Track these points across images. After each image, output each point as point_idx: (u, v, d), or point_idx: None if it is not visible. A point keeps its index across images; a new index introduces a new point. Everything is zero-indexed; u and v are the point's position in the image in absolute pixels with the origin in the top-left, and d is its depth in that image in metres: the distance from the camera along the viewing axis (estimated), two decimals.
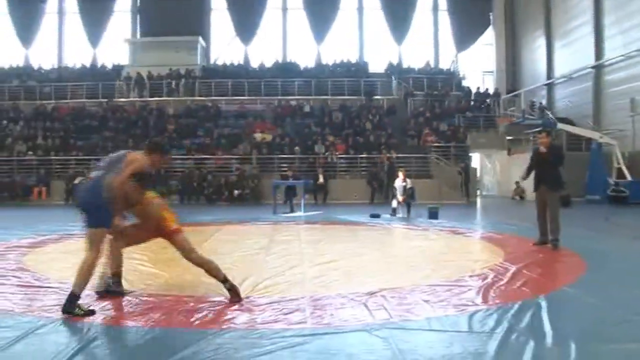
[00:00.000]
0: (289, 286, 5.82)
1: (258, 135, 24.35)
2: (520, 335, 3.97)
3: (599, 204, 18.74)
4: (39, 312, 4.70)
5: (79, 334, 4.07)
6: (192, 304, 5.04)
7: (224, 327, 4.27)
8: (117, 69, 31.27)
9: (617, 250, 8.47)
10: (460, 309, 4.79)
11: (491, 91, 29.70)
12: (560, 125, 21.12)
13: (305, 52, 33.27)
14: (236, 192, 21.09)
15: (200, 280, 6.22)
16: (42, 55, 33.67)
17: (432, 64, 32.76)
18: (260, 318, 4.53)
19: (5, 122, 26.14)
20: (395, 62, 32.07)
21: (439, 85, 29.12)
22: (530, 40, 30.21)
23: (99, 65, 32.72)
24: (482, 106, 27.83)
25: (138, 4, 33.88)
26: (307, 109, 26.94)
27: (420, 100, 27.50)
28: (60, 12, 34.39)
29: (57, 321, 4.43)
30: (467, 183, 21.69)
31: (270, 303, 5.02)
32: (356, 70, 30.77)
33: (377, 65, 31.92)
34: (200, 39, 31.73)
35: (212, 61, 33.01)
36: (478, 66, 33.86)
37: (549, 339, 3.89)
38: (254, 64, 32.33)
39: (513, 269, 6.57)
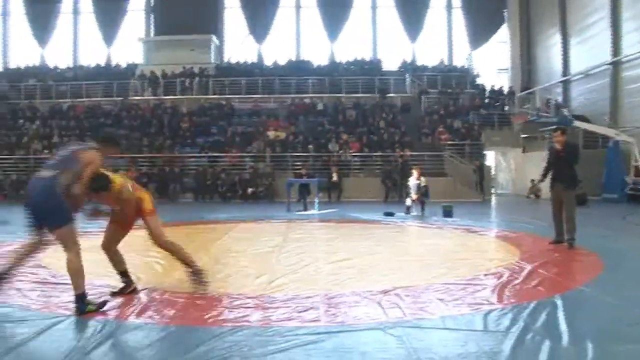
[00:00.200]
0: (302, 284, 5.82)
1: (272, 134, 24.37)
2: (536, 334, 3.94)
3: (616, 203, 18.53)
4: (56, 309, 4.75)
5: (95, 330, 4.10)
6: (206, 302, 5.06)
7: (238, 324, 4.28)
8: (132, 67, 31.47)
9: (635, 250, 8.38)
10: (475, 307, 4.76)
11: (505, 89, 29.49)
12: (576, 123, 20.91)
13: (318, 50, 33.27)
14: (250, 190, 21.12)
15: (215, 277, 6.25)
16: (58, 54, 34.03)
17: (446, 62, 32.60)
18: (274, 316, 4.54)
19: (22, 121, 26.40)
20: (409, 59, 31.94)
21: (453, 83, 28.96)
22: (545, 37, 29.92)
23: (113, 64, 32.96)
24: (497, 104, 27.64)
25: (152, 3, 34.04)
26: (320, 107, 26.91)
27: (434, 98, 27.35)
28: (75, 12, 34.66)
29: (73, 318, 4.47)
30: (481, 181, 21.56)
31: (284, 301, 5.03)
32: (370, 68, 30.67)
33: (390, 63, 31.80)
34: (214, 37, 31.81)
35: (225, 59, 33.07)
36: (492, 64, 33.65)
37: (565, 339, 3.86)
38: (268, 62, 32.38)
39: (528, 267, 6.52)
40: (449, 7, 33.95)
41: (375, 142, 23.60)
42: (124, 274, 5.44)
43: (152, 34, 33.37)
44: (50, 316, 4.53)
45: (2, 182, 22.01)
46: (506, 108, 27.45)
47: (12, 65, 33.79)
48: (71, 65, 33.24)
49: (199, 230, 11.62)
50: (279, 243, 9.23)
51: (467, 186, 21.22)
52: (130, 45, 32.85)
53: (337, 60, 32.45)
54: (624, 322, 4.33)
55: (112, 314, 4.59)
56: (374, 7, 34.12)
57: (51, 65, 33.08)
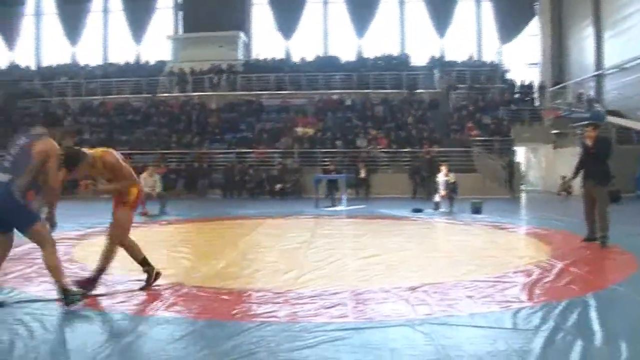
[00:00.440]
0: (330, 280, 5.83)
1: (300, 130, 24.40)
2: (568, 333, 3.87)
3: None
4: (87, 303, 4.82)
5: (123, 324, 4.17)
6: (233, 297, 5.09)
7: (266, 319, 4.30)
8: (160, 64, 31.83)
9: None
10: (504, 305, 4.71)
11: (536, 83, 29.01)
12: (609, 118, 20.46)
13: (346, 46, 33.14)
14: (278, 186, 21.19)
15: (243, 273, 6.30)
16: (89, 53, 34.58)
17: (475, 57, 32.20)
18: (301, 311, 4.55)
19: None
20: (437, 55, 31.64)
21: (482, 78, 28.59)
22: (577, 30, 29.35)
23: (142, 61, 33.39)
24: (527, 99, 27.22)
25: (180, 1, 34.36)
26: (348, 102, 26.85)
27: (463, 94, 27.06)
28: (105, 11, 35.20)
29: (103, 312, 4.55)
30: (511, 177, 21.27)
31: (311, 296, 5.03)
32: (398, 64, 30.45)
33: (419, 59, 31.52)
34: (242, 34, 31.95)
35: (253, 56, 33.20)
36: (523, 58, 33.12)
37: (597, 338, 3.79)
38: (295, 58, 32.41)
39: (560, 265, 6.41)
40: (478, 0, 33.52)
41: (403, 138, 23.47)
42: (143, 262, 5.50)
43: (180, 31, 33.69)
44: (80, 310, 4.61)
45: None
46: (537, 103, 27.02)
47: (45, 63, 34.50)
48: (101, 63, 33.78)
49: (227, 226, 11.72)
50: (307, 239, 9.25)
51: (496, 183, 20.96)
52: (159, 42, 33.22)
53: (365, 55, 32.31)
54: None
55: (141, 308, 4.65)
56: (401, 2, 33.85)
57: (82, 63, 33.67)
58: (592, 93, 26.41)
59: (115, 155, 5.34)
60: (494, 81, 28.19)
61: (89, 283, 5.14)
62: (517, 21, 31.94)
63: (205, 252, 8.01)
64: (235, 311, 4.60)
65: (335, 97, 27.31)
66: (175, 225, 11.66)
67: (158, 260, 7.47)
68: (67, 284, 4.65)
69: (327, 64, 30.61)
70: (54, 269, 4.62)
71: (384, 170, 22.18)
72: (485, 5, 33.30)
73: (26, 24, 35.05)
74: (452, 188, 14.58)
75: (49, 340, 3.84)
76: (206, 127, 25.31)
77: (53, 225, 4.70)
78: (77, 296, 4.62)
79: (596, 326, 4.04)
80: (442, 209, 14.28)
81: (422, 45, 32.92)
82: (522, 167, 25.56)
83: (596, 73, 27.13)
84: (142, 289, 5.32)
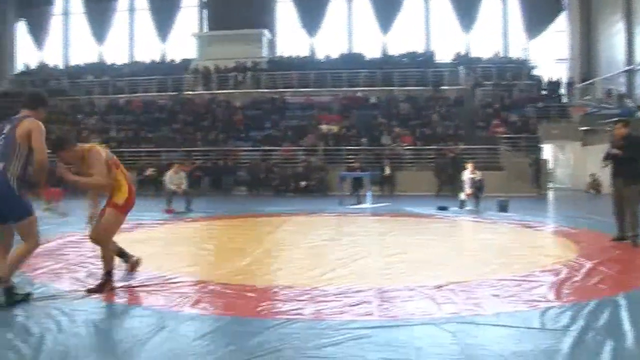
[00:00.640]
0: (355, 277, 5.82)
1: (324, 127, 24.40)
2: (597, 334, 3.81)
3: None
4: (114, 298, 4.91)
5: (149, 320, 4.21)
6: (258, 294, 5.11)
7: (290, 317, 4.31)
8: (186, 62, 32.13)
9: None
10: (532, 304, 4.65)
11: (564, 80, 28.58)
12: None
13: (370, 43, 33.05)
14: (303, 183, 21.23)
15: (268, 270, 6.32)
16: (115, 51, 35.10)
17: (501, 53, 31.84)
18: (326, 309, 4.54)
19: (81, 116, 27.34)
20: (462, 51, 31.38)
21: (509, 74, 28.26)
22: (607, 25, 28.81)
23: (168, 59, 33.76)
24: (555, 96, 26.83)
25: None
26: (373, 100, 26.78)
27: (489, 91, 26.79)
28: (131, 10, 35.67)
29: (129, 308, 4.60)
30: (538, 175, 21.00)
31: (336, 294, 5.03)
32: (423, 61, 30.28)
33: (444, 55, 31.32)
34: (266, 31, 32.07)
35: (278, 53, 33.29)
36: (550, 54, 32.65)
37: (629, 339, 3.71)
38: (320, 55, 32.43)
39: (588, 265, 6.30)
40: None
41: (428, 136, 23.32)
42: (120, 254, 5.58)
43: (205, 29, 33.95)
44: (107, 305, 4.68)
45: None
46: (564, 100, 26.61)
47: (72, 62, 35.09)
48: (127, 61, 34.22)
49: (252, 223, 11.78)
50: (332, 236, 9.26)
51: (523, 180, 20.71)
52: (184, 40, 33.54)
53: (390, 52, 32.18)
54: None
55: (167, 305, 4.69)
56: None
57: (109, 62, 34.18)
58: (622, 89, 25.92)
59: (101, 152, 5.19)
60: (520, 78, 27.83)
61: (101, 288, 5.12)
62: (544, 16, 31.51)
63: (231, 249, 8.06)
64: (260, 308, 4.62)
65: (359, 94, 27.26)
66: (201, 222, 11.75)
67: (184, 257, 7.58)
68: (12, 285, 4.54)
69: (352, 61, 30.58)
70: (16, 262, 4.54)
71: (409, 167, 22.08)
72: (511, 1, 32.90)
73: (54, 23, 35.67)
74: (478, 186, 14.45)
75: (77, 335, 3.90)
76: (231, 124, 25.46)
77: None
78: (17, 297, 4.50)
79: (627, 326, 3.96)
80: (467, 207, 14.16)
81: (447, 41, 32.69)
82: (550, 165, 25.20)
83: (627, 68, 26.63)
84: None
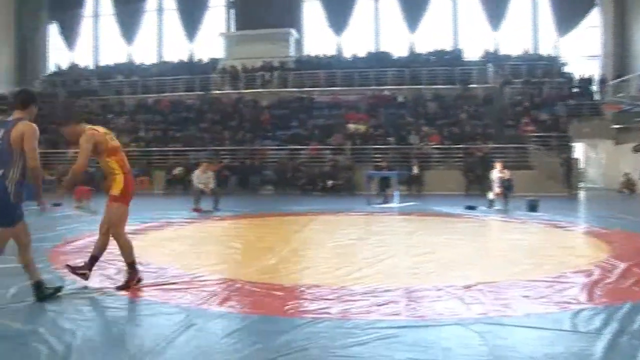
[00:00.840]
0: (383, 277, 5.79)
1: (351, 126, 24.35)
2: (632, 337, 3.71)
3: None
4: (143, 296, 4.97)
5: (177, 318, 4.24)
6: (285, 293, 5.12)
7: (318, 316, 4.30)
8: (213, 62, 32.36)
9: None
10: (563, 306, 4.56)
11: (596, 77, 28.01)
12: None
13: (398, 41, 32.84)
14: (330, 182, 21.22)
15: (295, 269, 6.33)
16: (144, 51, 35.51)
17: (531, 50, 31.35)
18: (354, 308, 4.53)
19: (111, 115, 27.75)
20: (491, 49, 30.97)
21: (539, 72, 27.82)
22: None
23: (195, 59, 34.02)
24: (586, 93, 26.32)
25: None
26: (400, 99, 26.64)
27: (519, 89, 26.41)
28: (159, 10, 36.05)
29: (158, 305, 4.65)
30: (568, 174, 20.65)
31: (364, 293, 5.01)
32: (451, 59, 29.98)
33: (472, 53, 30.95)
34: (293, 30, 32.11)
35: (305, 53, 33.31)
36: (582, 51, 32.01)
37: None
38: (347, 54, 32.37)
39: (622, 266, 6.16)
40: None
41: (456, 135, 23.11)
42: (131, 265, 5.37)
43: (232, 29, 34.13)
44: (135, 302, 4.73)
45: (93, 174, 23.23)
46: (597, 97, 26.10)
47: (102, 63, 35.65)
48: (156, 61, 34.62)
49: (279, 222, 11.82)
50: (359, 236, 9.24)
51: (553, 180, 20.39)
52: (212, 40, 33.75)
53: (417, 51, 31.94)
54: None
55: (195, 303, 4.72)
56: None
57: (137, 62, 34.63)
58: None
59: (94, 136, 5.13)
60: (550, 75, 27.36)
61: (129, 283, 5.20)
62: (575, 12, 30.87)
63: (258, 247, 8.09)
64: (287, 307, 4.62)
65: (387, 93, 27.14)
66: (228, 221, 11.82)
67: (211, 255, 7.64)
68: (41, 279, 4.57)
69: (379, 59, 30.44)
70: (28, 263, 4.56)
71: (437, 167, 21.91)
72: None
73: (85, 25, 36.28)
74: (506, 185, 14.27)
75: (106, 331, 3.96)
76: (258, 124, 25.56)
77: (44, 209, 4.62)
78: (49, 290, 4.55)
79: None
80: (496, 207, 13.98)
81: (475, 39, 32.28)
82: (581, 164, 24.76)
83: None
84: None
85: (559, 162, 20.77)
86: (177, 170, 21.64)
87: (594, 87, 26.90)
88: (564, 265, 6.39)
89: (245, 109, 26.91)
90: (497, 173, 14.41)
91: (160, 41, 35.94)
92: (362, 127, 24.25)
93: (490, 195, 14.27)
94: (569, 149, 21.92)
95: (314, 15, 33.95)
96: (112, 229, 5.28)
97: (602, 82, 26.93)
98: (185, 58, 34.03)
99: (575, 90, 26.48)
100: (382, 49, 32.76)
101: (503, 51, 30.85)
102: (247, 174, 22.07)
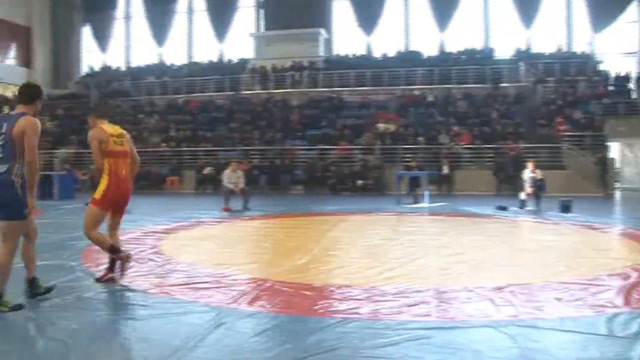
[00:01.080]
0: (413, 277, 5.76)
1: (381, 126, 24.26)
2: None
3: None
4: (173, 294, 5.01)
5: (207, 316, 4.27)
6: (315, 292, 5.12)
7: (348, 316, 4.29)
8: (243, 62, 32.58)
9: None
10: (598, 310, 4.46)
11: (634, 74, 27.34)
12: None
13: (428, 40, 32.59)
14: (359, 182, 21.18)
15: (325, 268, 6.32)
16: (174, 52, 35.94)
17: (564, 48, 30.77)
18: (384, 309, 4.51)
19: (141, 115, 28.16)
20: (523, 47, 30.50)
21: (572, 70, 27.30)
22: None
23: (225, 59, 34.30)
24: (623, 91, 25.73)
25: None
26: (430, 98, 26.44)
27: (552, 87, 25.97)
28: (190, 11, 36.42)
29: (188, 303, 4.69)
30: (603, 174, 20.23)
31: (394, 294, 4.98)
32: (481, 57, 29.64)
33: (503, 51, 30.53)
34: (323, 30, 32.12)
35: (334, 52, 33.28)
36: (618, 47, 31.25)
37: None
38: (376, 54, 32.26)
39: None
40: None
41: (487, 134, 22.84)
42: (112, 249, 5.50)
43: (262, 29, 34.29)
44: (167, 300, 4.79)
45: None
46: (634, 95, 25.49)
47: (134, 64, 36.21)
48: (186, 62, 35.01)
49: (309, 222, 11.84)
50: (389, 236, 9.20)
51: (587, 180, 20.00)
52: (242, 40, 33.97)
53: (447, 50, 31.66)
54: None
55: (225, 301, 4.75)
56: None
57: (168, 63, 35.06)
58: None
59: (98, 135, 5.31)
60: (585, 73, 26.81)
61: (108, 275, 5.45)
62: (612, 7, 30.10)
63: (288, 247, 8.12)
64: (317, 307, 4.62)
65: (417, 92, 26.97)
66: (258, 220, 11.89)
67: (241, 254, 7.69)
68: (1, 292, 4.39)
69: (409, 59, 30.28)
70: (1, 270, 4.38)
71: (467, 166, 21.70)
72: None
73: (117, 27, 36.90)
74: (539, 185, 14.05)
75: (136, 329, 4.01)
76: (288, 123, 25.65)
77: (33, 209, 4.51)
78: (3, 307, 4.34)
79: None
80: (528, 207, 13.78)
81: (507, 37, 31.82)
82: (617, 164, 24.23)
83: None
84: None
85: (593, 162, 20.36)
86: (207, 170, 21.84)
87: (631, 85, 26.24)
88: (599, 267, 6.26)
89: (275, 109, 27.02)
90: (529, 173, 14.20)
91: (191, 42, 36.31)
92: (391, 127, 24.14)
93: (522, 196, 14.07)
94: (604, 149, 21.47)
95: (344, 15, 33.89)
96: (84, 229, 5.40)
97: None
98: (215, 58, 34.33)
99: (611, 88, 25.90)
100: (412, 48, 32.55)
101: (535, 49, 30.35)
102: (277, 173, 22.16)
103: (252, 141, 24.44)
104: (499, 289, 5.10)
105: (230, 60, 33.84)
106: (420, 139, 22.92)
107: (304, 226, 11.20)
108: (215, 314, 4.32)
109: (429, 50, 31.54)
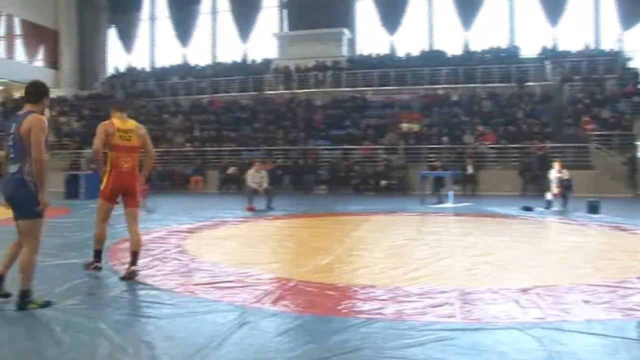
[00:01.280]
0: (437, 278, 5.72)
1: (405, 126, 24.15)
2: None
3: None
4: (198, 293, 5.05)
5: (231, 316, 4.30)
6: (339, 292, 5.11)
7: (372, 316, 4.28)
8: (266, 62, 32.72)
9: None
10: (627, 313, 4.38)
11: None
12: None
13: (452, 40, 32.34)
14: (383, 182, 21.11)
15: (348, 268, 6.31)
16: (198, 53, 36.25)
17: (592, 45, 30.25)
18: (408, 309, 4.49)
19: (166, 116, 28.43)
20: (549, 45, 30.08)
21: (600, 68, 26.84)
22: None
23: (249, 60, 34.47)
24: None
25: None
26: (454, 98, 26.23)
27: (578, 86, 25.57)
28: (214, 12, 36.68)
29: (211, 303, 4.72)
30: (633, 175, 19.86)
31: (418, 294, 4.96)
32: (506, 56, 29.29)
33: (529, 50, 30.13)
34: (346, 30, 32.09)
35: (358, 52, 33.23)
36: None
37: None
38: (400, 53, 32.12)
39: None
40: None
41: (512, 134, 22.58)
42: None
43: (285, 29, 34.38)
44: (191, 299, 4.82)
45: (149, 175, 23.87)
46: None
47: (158, 65, 36.61)
48: (210, 62, 35.27)
49: (333, 222, 11.84)
50: (413, 236, 9.16)
51: (615, 180, 19.65)
52: (265, 41, 34.12)
53: (472, 49, 31.37)
54: None
55: (248, 301, 4.77)
56: None
57: (192, 63, 35.37)
58: None
59: (106, 128, 5.59)
60: (613, 71, 26.34)
61: (91, 264, 5.76)
62: None
63: (312, 247, 8.12)
64: (340, 307, 4.62)
65: (441, 92, 26.79)
66: (282, 220, 11.91)
67: (265, 254, 7.71)
68: (29, 289, 4.44)
69: (433, 58, 30.06)
70: (25, 268, 4.42)
71: (492, 166, 21.48)
72: None
73: (142, 28, 37.35)
74: (565, 185, 13.85)
75: (160, 328, 4.05)
76: (311, 123, 25.67)
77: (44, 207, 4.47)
78: (33, 304, 4.40)
79: None
80: (554, 208, 13.59)
81: (532, 35, 31.43)
82: None
83: None
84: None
85: (622, 162, 20.01)
86: (231, 170, 21.97)
87: None
88: (628, 269, 6.15)
89: (299, 109, 27.06)
90: (555, 173, 14.01)
91: (215, 42, 36.57)
92: (415, 127, 24.02)
93: (548, 196, 13.88)
94: (633, 148, 21.07)
95: (367, 15, 33.82)
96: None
97: None
98: (238, 59, 34.52)
99: None
100: (436, 47, 32.32)
101: (562, 47, 29.91)
102: (300, 173, 22.19)
103: (276, 141, 24.51)
104: (525, 290, 5.05)
105: (254, 61, 34.00)
106: (444, 138, 22.76)
107: (327, 226, 11.20)
108: (239, 313, 4.35)
109: (453, 49, 31.25)
